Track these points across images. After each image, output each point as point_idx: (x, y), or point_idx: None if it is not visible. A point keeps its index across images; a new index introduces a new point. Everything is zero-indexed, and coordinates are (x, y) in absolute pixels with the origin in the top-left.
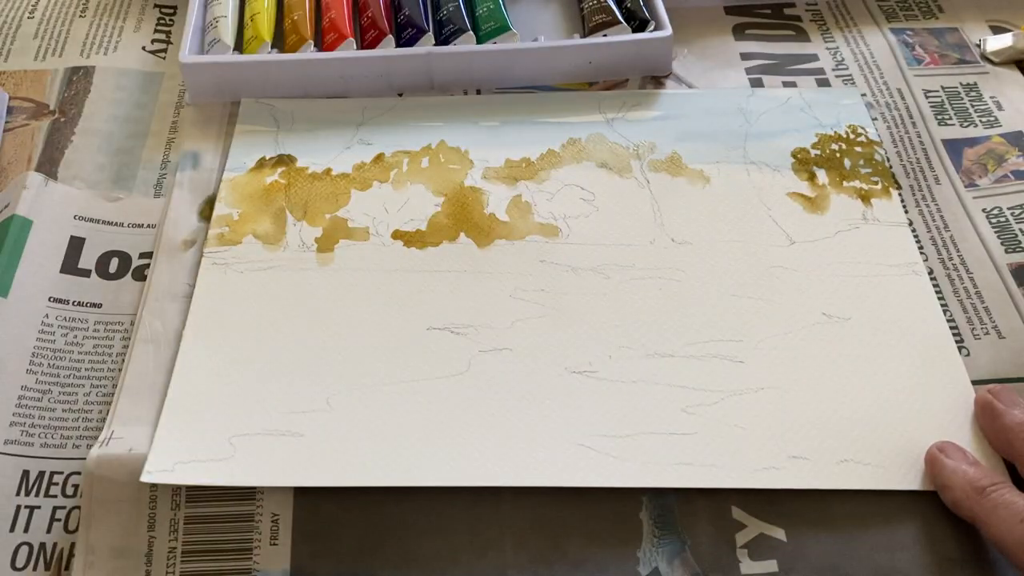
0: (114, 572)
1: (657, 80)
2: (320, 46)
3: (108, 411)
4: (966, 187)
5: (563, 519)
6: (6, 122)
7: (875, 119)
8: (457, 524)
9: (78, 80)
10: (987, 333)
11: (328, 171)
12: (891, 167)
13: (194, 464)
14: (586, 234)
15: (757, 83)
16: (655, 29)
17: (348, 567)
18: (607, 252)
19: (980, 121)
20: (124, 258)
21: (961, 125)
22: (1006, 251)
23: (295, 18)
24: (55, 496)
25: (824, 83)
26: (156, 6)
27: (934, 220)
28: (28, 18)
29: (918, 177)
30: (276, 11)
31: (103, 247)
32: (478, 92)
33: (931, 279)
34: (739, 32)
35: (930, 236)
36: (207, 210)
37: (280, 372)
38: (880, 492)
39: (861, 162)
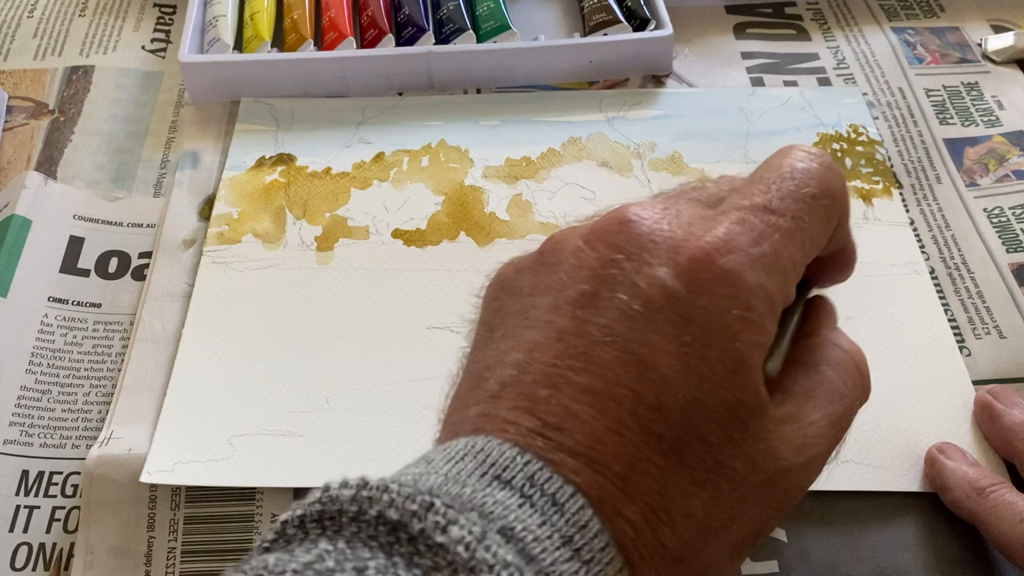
0: (113, 572)
1: (658, 79)
2: (320, 45)
3: (107, 411)
4: (967, 186)
5: None
6: (5, 121)
7: (876, 118)
8: None
9: (77, 79)
10: (988, 333)
11: (328, 170)
12: (892, 166)
13: (194, 464)
14: None
15: (758, 82)
16: (656, 28)
17: None
18: None
19: (981, 120)
20: (123, 258)
21: (962, 124)
22: (1007, 251)
23: (295, 17)
24: (54, 496)
25: (825, 82)
26: (155, 5)
27: (935, 220)
28: (27, 17)
29: (919, 176)
30: (276, 10)
31: (102, 247)
32: (478, 91)
33: (932, 279)
34: (740, 31)
35: (931, 235)
36: (207, 209)
37: (280, 372)
38: (880, 493)
39: (862, 161)
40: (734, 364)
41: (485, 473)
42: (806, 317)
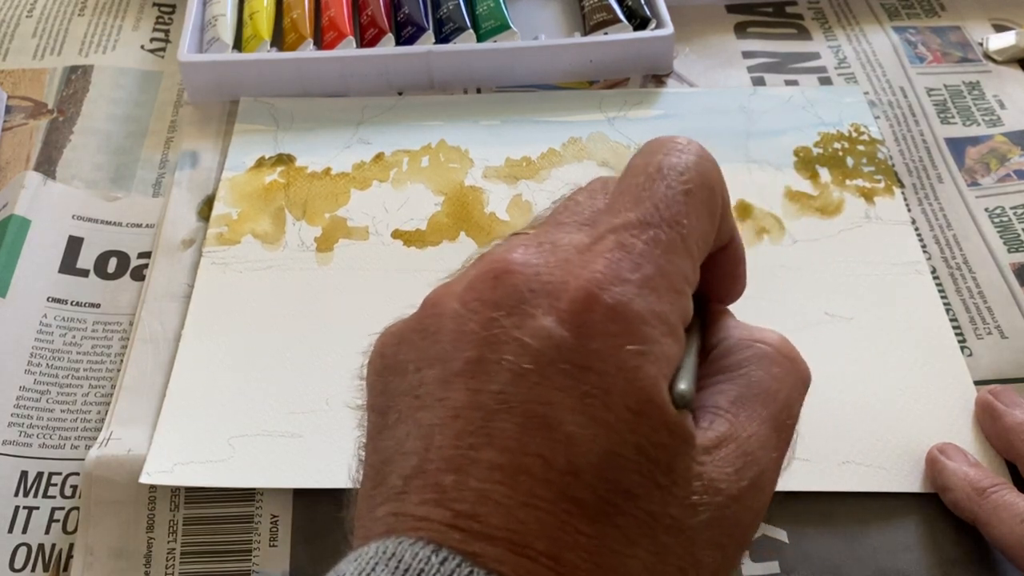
0: (113, 573)
1: (658, 79)
2: (319, 44)
3: (107, 411)
4: (969, 186)
5: None
6: (4, 121)
7: (877, 117)
8: None
9: (77, 79)
10: (990, 333)
11: (327, 170)
12: (894, 165)
13: (193, 465)
14: None
15: (759, 81)
16: (656, 27)
17: None
18: None
19: (983, 120)
20: (123, 258)
21: (964, 124)
22: (1008, 251)
23: (294, 16)
24: (54, 497)
25: (826, 81)
26: (155, 4)
27: (937, 219)
28: (27, 17)
29: (921, 176)
30: (275, 9)
31: (101, 247)
32: (478, 91)
33: (934, 278)
34: (741, 30)
35: (933, 235)
36: (206, 209)
37: (279, 372)
38: (881, 493)
39: (864, 160)
40: (639, 405)
41: None
42: (706, 328)
